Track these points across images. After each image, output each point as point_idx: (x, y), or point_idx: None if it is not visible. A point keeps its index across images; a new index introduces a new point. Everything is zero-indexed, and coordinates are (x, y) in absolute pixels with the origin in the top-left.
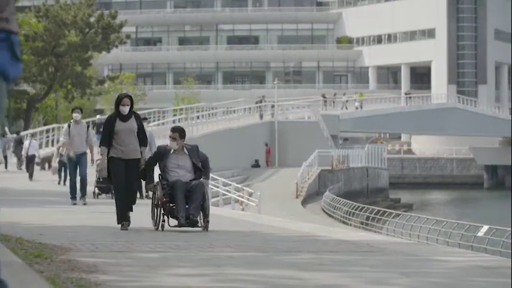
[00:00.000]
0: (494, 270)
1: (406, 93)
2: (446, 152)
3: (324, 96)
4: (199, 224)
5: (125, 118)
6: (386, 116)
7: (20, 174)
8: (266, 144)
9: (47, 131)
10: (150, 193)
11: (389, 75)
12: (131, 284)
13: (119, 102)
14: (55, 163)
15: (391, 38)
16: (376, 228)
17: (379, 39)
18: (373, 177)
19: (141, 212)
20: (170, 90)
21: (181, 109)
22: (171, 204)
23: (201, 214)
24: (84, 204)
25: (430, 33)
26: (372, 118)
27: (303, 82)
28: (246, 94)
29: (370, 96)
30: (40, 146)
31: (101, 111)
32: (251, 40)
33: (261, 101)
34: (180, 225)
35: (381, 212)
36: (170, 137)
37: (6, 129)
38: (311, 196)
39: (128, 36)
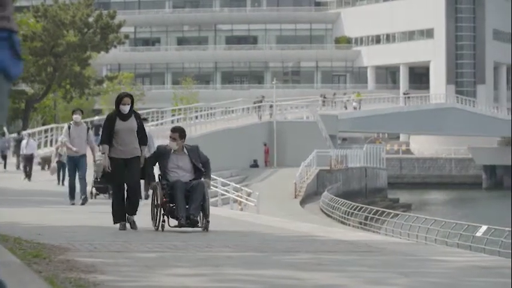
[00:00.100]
0: (493, 270)
1: (404, 93)
2: (445, 152)
3: (324, 96)
4: (199, 224)
5: (125, 117)
6: (384, 116)
7: (19, 174)
8: (265, 144)
9: (46, 131)
10: (150, 192)
11: (388, 75)
12: (129, 284)
13: (119, 101)
14: (54, 163)
15: (389, 38)
16: (375, 228)
17: (377, 39)
18: (371, 177)
19: (141, 212)
20: (169, 90)
21: (179, 109)
22: (171, 205)
23: (201, 214)
24: (82, 204)
25: (428, 33)
26: (371, 118)
27: (302, 82)
28: (244, 94)
29: (368, 96)
30: (39, 146)
31: (99, 111)
32: (250, 40)
33: (260, 101)
34: (180, 225)
35: (380, 212)
36: (170, 137)
37: (5, 129)
38: (309, 196)
39: (126, 37)
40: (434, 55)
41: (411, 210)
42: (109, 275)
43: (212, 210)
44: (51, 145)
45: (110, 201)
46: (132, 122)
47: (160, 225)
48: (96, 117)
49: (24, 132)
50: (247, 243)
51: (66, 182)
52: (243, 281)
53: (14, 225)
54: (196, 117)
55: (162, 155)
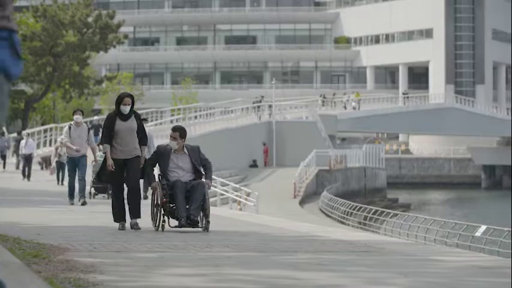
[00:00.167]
0: (492, 270)
1: (403, 93)
2: (444, 152)
3: (323, 96)
4: (199, 225)
5: (125, 117)
6: (384, 116)
7: (19, 174)
8: (264, 144)
9: (45, 130)
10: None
11: (387, 75)
12: (129, 284)
13: (120, 101)
14: (53, 164)
15: (388, 37)
16: (374, 228)
17: (376, 39)
18: (370, 177)
19: (141, 212)
20: (168, 90)
21: (179, 109)
22: (171, 205)
23: (202, 214)
24: (83, 204)
25: (427, 33)
26: (370, 118)
27: (301, 82)
28: (243, 94)
29: (368, 96)
30: (38, 146)
31: (98, 111)
32: (249, 40)
33: (259, 101)
34: (180, 225)
35: (379, 212)
36: (171, 136)
37: (4, 129)
38: (309, 196)
39: (125, 36)
40: (433, 55)
41: (410, 210)
42: (108, 275)
43: (211, 210)
44: (50, 145)
45: (109, 201)
46: (132, 123)
47: (160, 225)
48: (96, 117)
49: (23, 132)
50: (247, 243)
51: (66, 182)
52: (242, 281)
53: (13, 225)
54: (196, 117)
55: (162, 154)
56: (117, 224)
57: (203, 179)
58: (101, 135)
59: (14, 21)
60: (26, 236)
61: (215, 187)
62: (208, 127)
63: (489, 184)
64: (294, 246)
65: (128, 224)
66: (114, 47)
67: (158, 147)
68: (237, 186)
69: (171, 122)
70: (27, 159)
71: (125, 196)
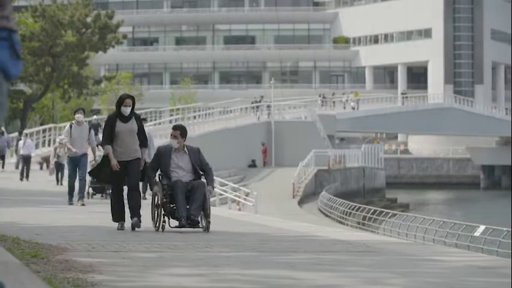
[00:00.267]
0: (491, 270)
1: (402, 93)
2: (443, 152)
3: (323, 96)
4: (200, 225)
5: (125, 119)
6: (383, 116)
7: (18, 174)
8: (263, 144)
9: (44, 130)
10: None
11: (386, 75)
12: (127, 284)
13: (121, 102)
14: (51, 164)
15: (387, 37)
16: (373, 228)
17: (375, 39)
18: (369, 177)
19: (143, 213)
20: (167, 90)
21: (178, 109)
22: (172, 205)
23: (202, 214)
24: (82, 205)
25: (426, 33)
26: (369, 118)
27: (300, 82)
28: (242, 94)
29: (366, 96)
30: (37, 146)
31: (97, 111)
32: (248, 40)
33: (257, 101)
34: (181, 226)
35: (378, 212)
36: (171, 134)
37: (3, 128)
38: (308, 196)
39: (124, 36)
40: (432, 55)
41: (409, 210)
42: (107, 275)
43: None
44: (49, 145)
45: (107, 201)
46: (133, 124)
47: (160, 225)
48: (94, 117)
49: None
50: (245, 243)
51: (65, 182)
52: (240, 281)
53: (12, 225)
54: (195, 117)
55: (163, 155)
56: (115, 224)
57: (202, 179)
58: (100, 136)
59: (13, 21)
60: (25, 236)
61: (214, 187)
62: (207, 127)
63: (488, 184)
64: (292, 246)
65: (128, 224)
66: (113, 47)
67: (159, 148)
68: (236, 186)
69: (170, 122)
70: (26, 160)
71: (125, 196)
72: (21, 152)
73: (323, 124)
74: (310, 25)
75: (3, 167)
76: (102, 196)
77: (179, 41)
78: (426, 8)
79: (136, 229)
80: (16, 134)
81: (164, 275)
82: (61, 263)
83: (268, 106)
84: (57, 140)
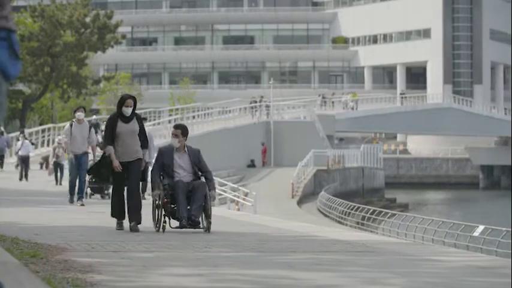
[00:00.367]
0: (490, 270)
1: (400, 94)
2: (442, 152)
3: (323, 96)
4: (201, 225)
5: (127, 119)
6: (382, 116)
7: (17, 174)
8: (263, 144)
9: (43, 130)
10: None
11: (385, 75)
12: (127, 284)
13: (122, 103)
14: (50, 164)
15: (386, 38)
16: (372, 228)
17: (374, 39)
18: (368, 177)
19: (143, 213)
20: (166, 90)
21: (177, 109)
22: (172, 205)
23: (203, 215)
24: (82, 205)
25: (425, 33)
26: (368, 118)
27: (299, 82)
28: (241, 94)
29: (365, 96)
30: (36, 146)
31: (96, 111)
32: (247, 40)
33: (256, 101)
34: (181, 226)
35: (377, 212)
36: (172, 133)
37: (2, 128)
38: (307, 196)
39: (123, 36)
40: (431, 55)
41: (408, 210)
42: (106, 275)
43: None
44: (48, 145)
45: (105, 201)
46: (134, 125)
47: (161, 226)
48: (94, 117)
49: (18, 133)
50: (245, 243)
51: (65, 182)
52: (240, 281)
53: (11, 225)
54: (194, 117)
55: (165, 156)
56: (115, 224)
57: (202, 179)
58: (99, 136)
59: (12, 21)
60: (24, 236)
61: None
62: (206, 127)
63: (487, 184)
64: (292, 246)
65: (127, 224)
66: (112, 47)
67: (160, 149)
68: (235, 186)
69: (169, 122)
70: (24, 160)
71: (125, 196)
72: (20, 152)
73: (322, 124)
74: (309, 25)
75: (2, 167)
76: (102, 197)
77: (178, 41)
78: (425, 8)
79: (134, 228)
80: (16, 134)
81: (163, 275)
82: (60, 263)
83: (267, 106)
84: (56, 140)
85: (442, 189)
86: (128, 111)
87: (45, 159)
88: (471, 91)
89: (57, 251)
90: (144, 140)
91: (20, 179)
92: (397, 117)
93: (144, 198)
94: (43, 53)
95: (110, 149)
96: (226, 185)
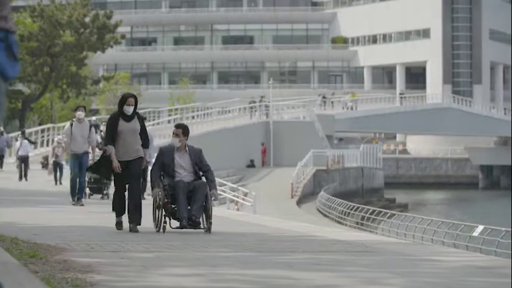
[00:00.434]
0: (490, 270)
1: (399, 94)
2: (442, 152)
3: (324, 96)
4: (201, 226)
5: (128, 118)
6: (381, 116)
7: (17, 174)
8: (262, 144)
9: (42, 131)
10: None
11: (385, 75)
12: (126, 284)
13: (123, 101)
14: (50, 164)
15: (386, 38)
16: (371, 228)
17: (374, 39)
18: (368, 177)
19: (143, 213)
20: (165, 90)
21: (176, 109)
22: (173, 206)
23: (204, 215)
24: (81, 205)
25: (425, 33)
26: (367, 118)
27: (298, 82)
28: (241, 94)
29: (365, 96)
30: (35, 147)
31: (96, 111)
32: (246, 40)
33: (255, 101)
34: (182, 226)
35: (376, 212)
36: (173, 133)
37: (1, 128)
38: (306, 196)
39: (123, 37)
40: (430, 55)
41: (408, 210)
42: (105, 275)
43: None
44: (47, 145)
45: (104, 201)
46: (136, 124)
47: (161, 226)
48: (93, 118)
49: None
50: (244, 243)
51: (64, 182)
52: (239, 281)
53: (10, 225)
54: (193, 117)
55: (165, 156)
56: (114, 224)
57: (203, 179)
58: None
59: (12, 22)
60: (23, 236)
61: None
62: (206, 127)
63: (486, 184)
64: (291, 246)
65: (126, 224)
66: (112, 47)
67: (161, 149)
68: (235, 186)
69: (169, 122)
70: (23, 160)
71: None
72: (19, 152)
73: (321, 124)
74: (308, 25)
75: (1, 167)
76: (101, 198)
77: (177, 41)
78: (425, 8)
79: (133, 228)
80: (16, 134)
81: (163, 275)
82: (59, 263)
83: (267, 106)
84: (55, 139)
85: (442, 189)
86: (129, 109)
87: (46, 158)
88: (470, 91)
89: (57, 251)
90: (145, 139)
91: (20, 179)
92: (397, 117)
93: (144, 198)
94: (42, 53)
95: (111, 148)
96: (225, 185)
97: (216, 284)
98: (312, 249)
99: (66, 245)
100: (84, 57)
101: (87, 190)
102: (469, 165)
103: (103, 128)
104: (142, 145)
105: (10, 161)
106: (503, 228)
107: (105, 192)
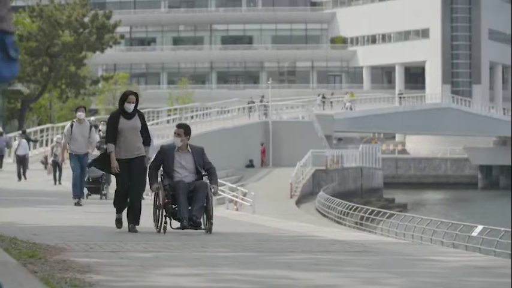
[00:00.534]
0: (489, 270)
1: (398, 94)
2: (441, 151)
3: (323, 96)
4: (202, 226)
5: (129, 116)
6: (380, 116)
7: (16, 174)
8: (262, 144)
9: (41, 130)
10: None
11: (384, 75)
12: (125, 284)
13: (124, 99)
14: (49, 164)
15: (385, 37)
16: (371, 228)
17: (373, 39)
18: (367, 177)
19: (143, 213)
20: (164, 90)
21: (175, 109)
22: (174, 206)
23: (205, 216)
24: (80, 205)
25: (424, 33)
26: (366, 118)
27: (297, 82)
28: (240, 94)
29: (364, 96)
30: (34, 146)
31: (95, 111)
32: (245, 40)
33: (253, 102)
34: (182, 227)
35: (375, 212)
36: (175, 133)
37: (1, 129)
38: (305, 196)
39: (122, 36)
40: (430, 55)
41: (407, 210)
42: (105, 275)
43: None
44: (46, 145)
45: (103, 201)
46: (136, 121)
47: (162, 227)
48: (92, 118)
49: (17, 133)
50: (243, 243)
51: (64, 182)
52: (238, 281)
53: (10, 225)
54: (192, 117)
55: (166, 154)
56: (113, 224)
57: (205, 179)
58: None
59: (10, 22)
60: (23, 236)
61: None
62: (205, 127)
63: (486, 184)
64: (290, 246)
65: (126, 224)
66: (111, 47)
67: (162, 147)
68: (234, 186)
69: (168, 122)
70: (22, 160)
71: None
72: (17, 152)
73: (321, 124)
74: (307, 25)
75: (1, 167)
76: (101, 198)
77: (177, 41)
78: (424, 8)
79: (132, 229)
80: (16, 133)
81: (162, 275)
82: (58, 263)
83: (265, 106)
84: (54, 139)
85: (441, 189)
86: (130, 107)
87: (46, 158)
88: (470, 91)
89: (56, 251)
90: (146, 136)
91: (19, 179)
92: (396, 117)
93: (143, 198)
94: (41, 53)
95: (111, 146)
96: (224, 185)
97: (215, 284)
98: (311, 249)
99: (65, 245)
100: (83, 57)
101: (85, 190)
102: (468, 165)
103: (101, 127)
104: (143, 143)
105: (9, 161)
106: (503, 228)
107: (103, 192)
